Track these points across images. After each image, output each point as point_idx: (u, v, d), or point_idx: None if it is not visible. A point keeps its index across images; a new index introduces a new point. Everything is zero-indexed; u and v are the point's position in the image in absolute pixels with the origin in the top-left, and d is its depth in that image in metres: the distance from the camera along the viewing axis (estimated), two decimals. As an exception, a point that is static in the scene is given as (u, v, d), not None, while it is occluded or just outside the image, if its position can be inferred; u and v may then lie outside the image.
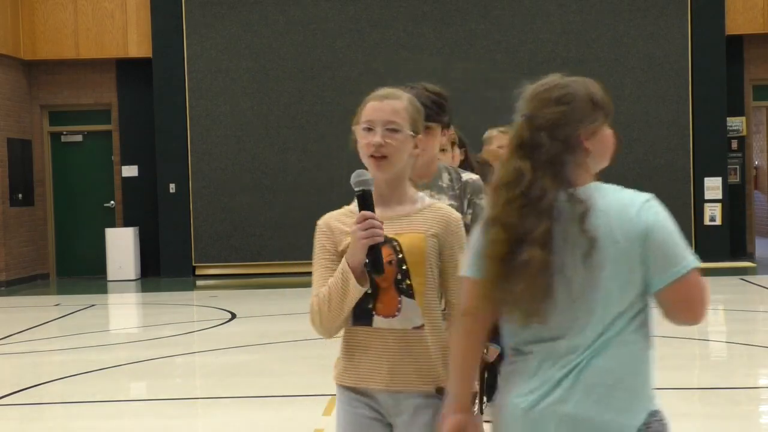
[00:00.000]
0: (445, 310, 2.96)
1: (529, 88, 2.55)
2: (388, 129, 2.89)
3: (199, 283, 16.22)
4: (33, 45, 16.69)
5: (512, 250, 2.39)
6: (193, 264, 16.58)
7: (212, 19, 16.44)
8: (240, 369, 8.63)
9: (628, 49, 16.18)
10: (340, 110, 16.04)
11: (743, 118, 16.71)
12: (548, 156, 2.43)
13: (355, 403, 2.96)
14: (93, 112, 17.28)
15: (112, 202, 17.23)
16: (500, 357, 4.19)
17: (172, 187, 16.50)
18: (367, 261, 2.78)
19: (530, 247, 2.37)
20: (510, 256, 2.39)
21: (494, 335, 4.16)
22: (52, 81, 17.11)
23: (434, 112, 3.41)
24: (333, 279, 2.84)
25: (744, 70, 16.63)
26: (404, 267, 2.86)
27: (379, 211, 2.84)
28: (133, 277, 16.59)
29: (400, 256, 2.86)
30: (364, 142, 2.91)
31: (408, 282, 2.87)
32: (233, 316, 11.95)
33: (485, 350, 4.05)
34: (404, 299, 2.88)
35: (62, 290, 16.03)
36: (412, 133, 2.92)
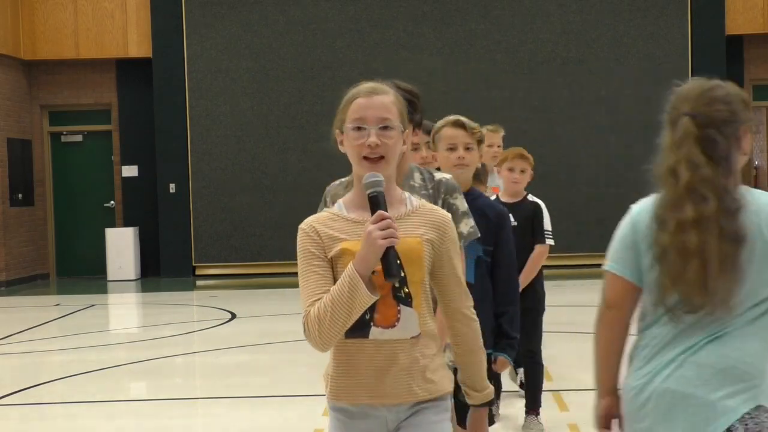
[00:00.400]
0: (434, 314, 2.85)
1: (690, 88, 2.66)
2: (381, 127, 2.73)
3: (199, 283, 16.22)
4: (33, 45, 16.69)
5: (701, 243, 2.50)
6: (193, 264, 16.58)
7: (212, 19, 16.44)
8: (240, 369, 8.63)
9: (628, 49, 16.17)
10: (340, 110, 16.03)
11: (743, 118, 16.71)
12: (722, 151, 2.56)
13: (356, 423, 2.78)
14: (93, 112, 17.29)
15: (112, 202, 17.23)
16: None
17: (172, 187, 16.50)
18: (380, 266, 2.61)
19: (723, 241, 2.50)
20: (699, 248, 2.50)
21: (497, 342, 4.09)
22: (52, 81, 17.11)
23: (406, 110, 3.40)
24: (337, 287, 2.62)
25: (744, 70, 16.63)
26: (402, 273, 2.68)
27: (369, 215, 2.67)
28: (133, 277, 16.59)
29: (398, 261, 2.64)
30: (357, 143, 2.75)
31: (406, 290, 2.71)
32: (233, 316, 11.95)
33: (494, 360, 4.02)
34: (403, 308, 2.71)
35: (62, 290, 16.03)
36: (402, 128, 2.78)
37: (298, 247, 2.77)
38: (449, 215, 2.86)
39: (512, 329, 4.03)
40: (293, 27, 16.41)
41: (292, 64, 16.40)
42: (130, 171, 17.08)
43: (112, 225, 16.99)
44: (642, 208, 2.78)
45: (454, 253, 2.81)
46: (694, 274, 2.49)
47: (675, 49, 16.12)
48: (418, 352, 2.74)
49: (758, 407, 2.50)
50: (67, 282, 16.92)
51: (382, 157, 2.73)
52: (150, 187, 16.75)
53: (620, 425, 2.70)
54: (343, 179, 3.47)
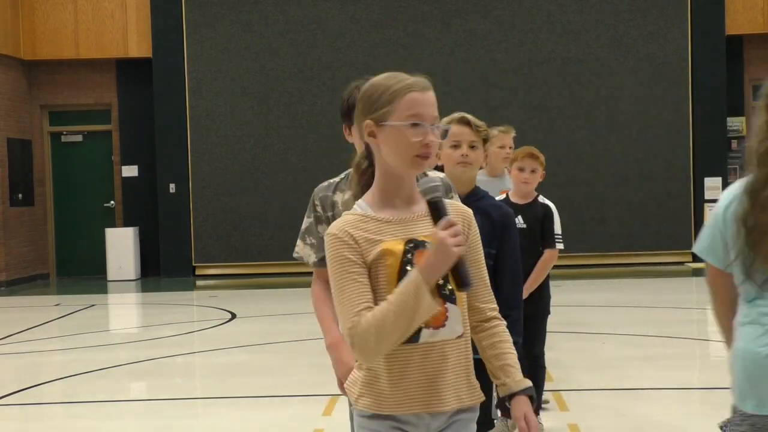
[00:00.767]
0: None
1: None
2: (434, 126, 2.62)
3: (199, 283, 16.22)
4: (33, 45, 16.69)
5: None
6: (193, 264, 16.58)
7: (212, 19, 16.44)
8: (240, 369, 8.62)
9: (628, 49, 16.17)
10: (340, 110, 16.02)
11: (743, 118, 16.72)
12: None
13: None
14: (93, 112, 17.29)
15: (112, 202, 17.23)
16: None
17: (172, 187, 16.50)
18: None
19: None
20: None
21: None
22: (52, 81, 17.11)
23: None
24: (400, 296, 2.47)
25: (744, 70, 16.63)
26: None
27: (398, 213, 2.62)
28: (133, 277, 16.59)
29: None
30: (415, 140, 2.58)
31: (449, 287, 2.59)
32: (233, 316, 11.95)
33: None
34: (449, 306, 2.61)
35: (62, 290, 16.03)
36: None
37: (330, 255, 2.59)
38: (469, 208, 2.77)
39: (514, 333, 3.95)
40: (293, 27, 16.41)
41: (292, 64, 16.40)
42: (130, 171, 17.08)
43: (112, 225, 16.99)
44: (730, 194, 2.86)
45: (478, 245, 2.74)
46: None
47: (675, 49, 16.12)
48: (463, 352, 2.66)
49: None
50: (67, 282, 16.92)
51: (428, 157, 2.62)
52: (150, 187, 16.75)
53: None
54: (331, 180, 3.39)
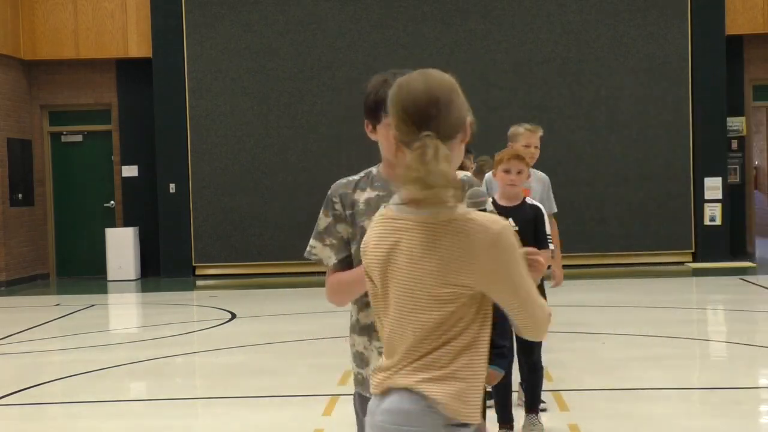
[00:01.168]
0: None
1: None
2: None
3: (199, 283, 16.22)
4: (33, 45, 16.69)
5: None
6: (193, 264, 16.58)
7: (212, 19, 16.44)
8: (240, 369, 8.62)
9: (628, 49, 16.17)
10: (340, 110, 16.05)
11: (743, 118, 16.71)
12: None
13: None
14: (93, 112, 17.29)
15: (112, 202, 17.23)
16: (502, 379, 3.97)
17: (172, 187, 16.50)
18: None
19: None
20: None
21: (499, 358, 3.92)
22: (52, 81, 17.11)
23: None
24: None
25: (744, 70, 16.63)
26: None
27: None
28: (133, 277, 16.59)
29: None
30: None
31: None
32: (233, 316, 11.95)
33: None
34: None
35: (62, 290, 16.03)
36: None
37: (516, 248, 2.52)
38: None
39: (500, 338, 3.61)
40: (293, 27, 16.41)
41: (292, 64, 16.40)
42: (130, 171, 17.08)
43: (112, 225, 16.99)
44: None
45: None
46: None
47: (675, 49, 16.12)
48: None
49: None
50: (67, 282, 16.92)
51: None
52: (150, 187, 16.75)
53: None
54: (350, 177, 3.15)
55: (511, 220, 5.39)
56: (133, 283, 16.42)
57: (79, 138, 17.44)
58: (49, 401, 7.77)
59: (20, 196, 16.58)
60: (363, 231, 2.97)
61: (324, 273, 3.15)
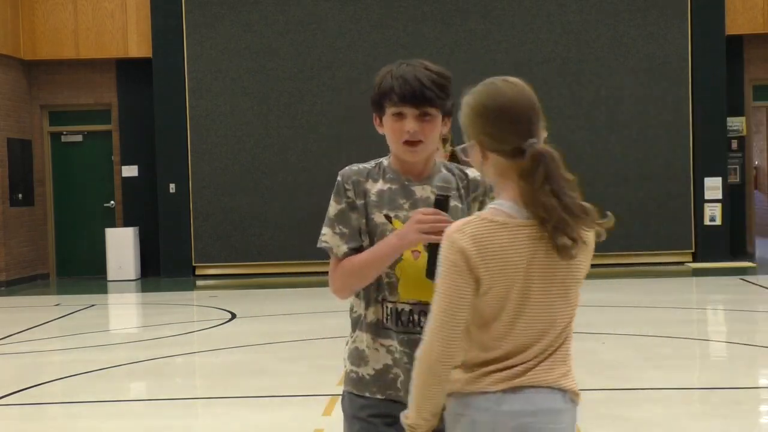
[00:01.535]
0: None
1: None
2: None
3: (199, 283, 16.22)
4: (33, 45, 16.69)
5: None
6: (193, 264, 16.58)
7: (212, 19, 16.44)
8: (240, 369, 8.62)
9: (628, 49, 16.18)
10: (340, 110, 16.06)
11: (743, 118, 16.71)
12: None
13: None
14: (93, 112, 17.29)
15: (112, 202, 17.23)
16: None
17: (172, 187, 16.50)
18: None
19: None
20: None
21: None
22: (52, 81, 17.11)
23: (435, 95, 2.86)
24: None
25: (744, 70, 16.63)
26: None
27: None
28: (133, 277, 16.59)
29: None
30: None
31: None
32: (233, 316, 11.95)
33: None
34: None
35: (62, 290, 16.03)
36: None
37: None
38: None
39: None
40: (293, 27, 16.41)
41: (292, 64, 16.40)
42: (130, 171, 17.08)
43: (112, 225, 17.00)
44: None
45: None
46: None
47: (675, 49, 16.12)
48: None
49: None
50: (67, 282, 16.92)
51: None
52: (150, 187, 16.75)
53: None
54: (360, 165, 2.98)
55: None
56: (133, 283, 16.42)
57: (79, 138, 17.44)
58: (49, 401, 7.77)
59: (20, 196, 16.58)
60: (374, 224, 2.89)
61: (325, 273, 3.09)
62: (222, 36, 16.43)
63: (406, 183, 2.91)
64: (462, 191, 2.96)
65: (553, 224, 2.48)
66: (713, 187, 16.05)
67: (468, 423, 2.48)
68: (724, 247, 16.07)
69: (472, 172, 2.97)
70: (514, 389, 2.47)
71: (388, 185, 2.93)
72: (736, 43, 16.43)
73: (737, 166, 16.76)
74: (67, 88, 17.11)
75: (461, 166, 3.02)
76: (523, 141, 2.48)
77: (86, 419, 7.10)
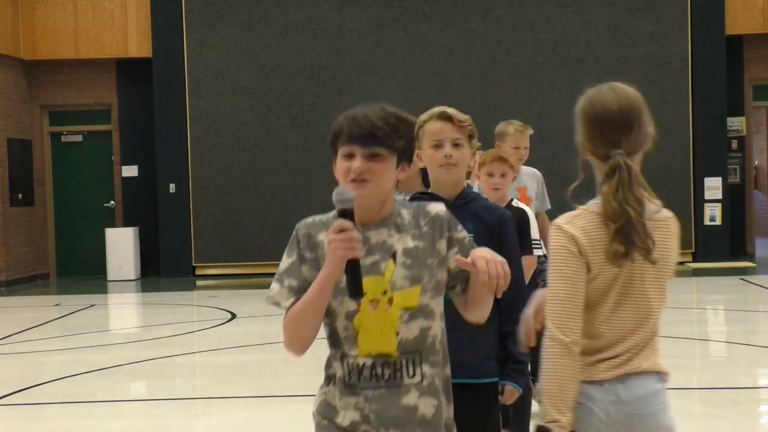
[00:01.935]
0: None
1: None
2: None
3: (199, 283, 16.22)
4: (33, 45, 16.69)
5: None
6: (193, 264, 16.58)
7: (212, 19, 16.44)
8: (240, 369, 8.63)
9: (628, 49, 16.17)
10: (340, 110, 15.96)
11: (743, 118, 16.71)
12: None
13: None
14: (93, 112, 17.29)
15: (112, 202, 17.23)
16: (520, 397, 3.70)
17: (172, 187, 16.50)
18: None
19: None
20: None
21: (503, 368, 3.64)
22: (52, 81, 17.12)
23: (385, 134, 2.81)
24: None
25: (744, 70, 16.63)
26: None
27: None
28: (133, 277, 16.59)
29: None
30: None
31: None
32: (233, 316, 11.95)
33: (501, 390, 3.58)
34: None
35: (62, 290, 16.03)
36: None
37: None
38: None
39: (521, 352, 3.37)
40: (293, 27, 16.41)
41: (292, 64, 16.40)
42: (130, 171, 17.08)
43: (112, 225, 17.00)
44: None
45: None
46: None
47: (675, 49, 16.12)
48: None
49: None
50: (67, 282, 16.92)
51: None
52: (150, 187, 16.75)
53: None
54: (317, 217, 3.01)
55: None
56: (133, 283, 16.42)
57: (79, 138, 17.44)
58: (49, 401, 7.77)
59: (20, 196, 16.58)
60: None
61: None
62: (222, 36, 16.43)
63: (361, 229, 2.74)
64: (425, 228, 2.79)
65: (614, 229, 2.66)
66: (713, 187, 16.05)
67: (585, 410, 2.66)
68: (724, 247, 16.07)
69: (434, 208, 2.84)
70: (622, 377, 2.69)
71: None
72: (736, 43, 16.43)
73: (737, 166, 16.76)
74: (67, 88, 17.11)
75: (422, 203, 2.89)
76: (611, 149, 2.68)
77: (86, 419, 7.11)
